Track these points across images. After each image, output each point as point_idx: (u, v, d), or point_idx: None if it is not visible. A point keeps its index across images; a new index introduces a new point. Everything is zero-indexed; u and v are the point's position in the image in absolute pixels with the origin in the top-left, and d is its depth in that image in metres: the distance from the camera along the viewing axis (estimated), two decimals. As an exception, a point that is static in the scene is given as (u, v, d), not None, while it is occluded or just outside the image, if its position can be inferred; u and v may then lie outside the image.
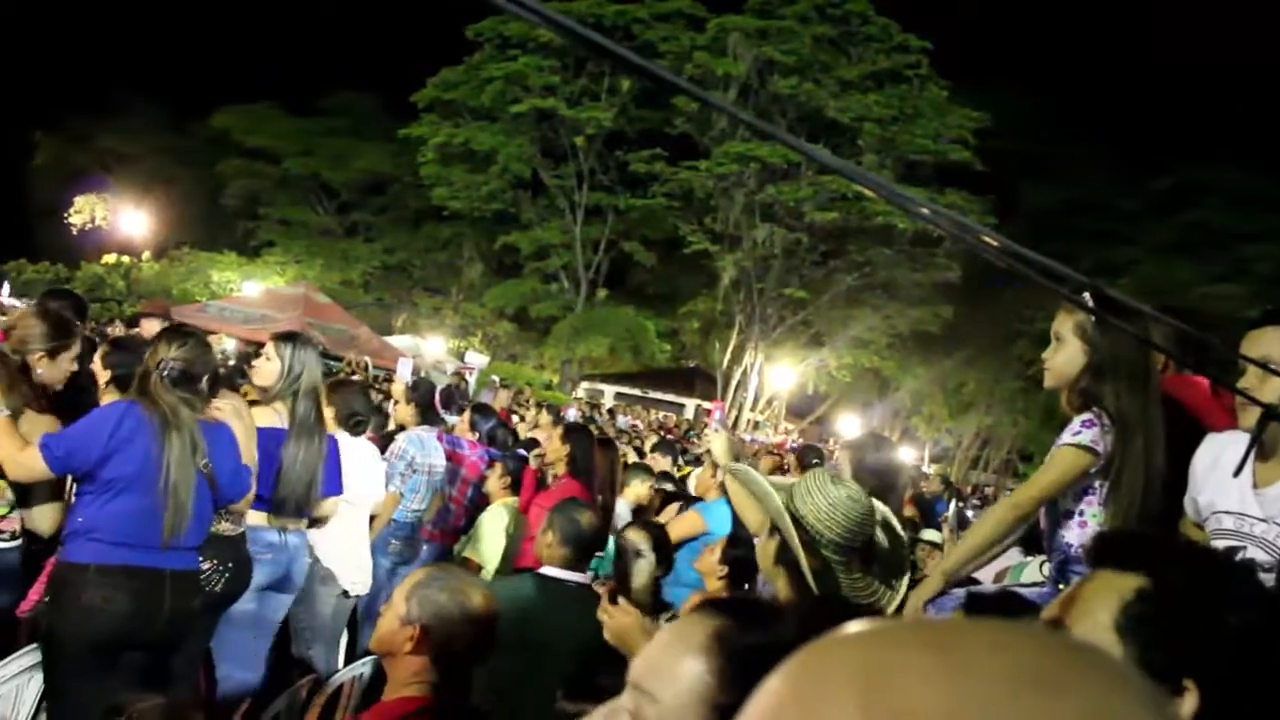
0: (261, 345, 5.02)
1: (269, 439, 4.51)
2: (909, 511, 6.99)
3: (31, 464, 3.53)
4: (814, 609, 2.44)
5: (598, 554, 4.91)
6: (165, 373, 3.72)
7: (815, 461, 7.41)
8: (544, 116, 34.95)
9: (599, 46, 1.09)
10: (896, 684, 0.50)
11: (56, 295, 5.06)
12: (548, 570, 3.87)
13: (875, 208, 29.69)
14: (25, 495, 3.83)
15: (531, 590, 3.76)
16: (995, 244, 1.29)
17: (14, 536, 3.75)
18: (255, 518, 4.54)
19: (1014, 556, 4.74)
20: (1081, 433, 2.77)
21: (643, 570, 4.29)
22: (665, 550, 4.45)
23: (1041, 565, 3.74)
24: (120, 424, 3.55)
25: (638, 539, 4.45)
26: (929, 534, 6.71)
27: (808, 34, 32.40)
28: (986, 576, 4.76)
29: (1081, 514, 2.85)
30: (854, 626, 0.56)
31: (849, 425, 28.45)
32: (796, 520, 2.52)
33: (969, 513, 12.42)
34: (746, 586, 4.21)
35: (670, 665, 1.32)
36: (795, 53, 32.26)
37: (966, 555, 3.02)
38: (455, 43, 35.11)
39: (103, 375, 4.41)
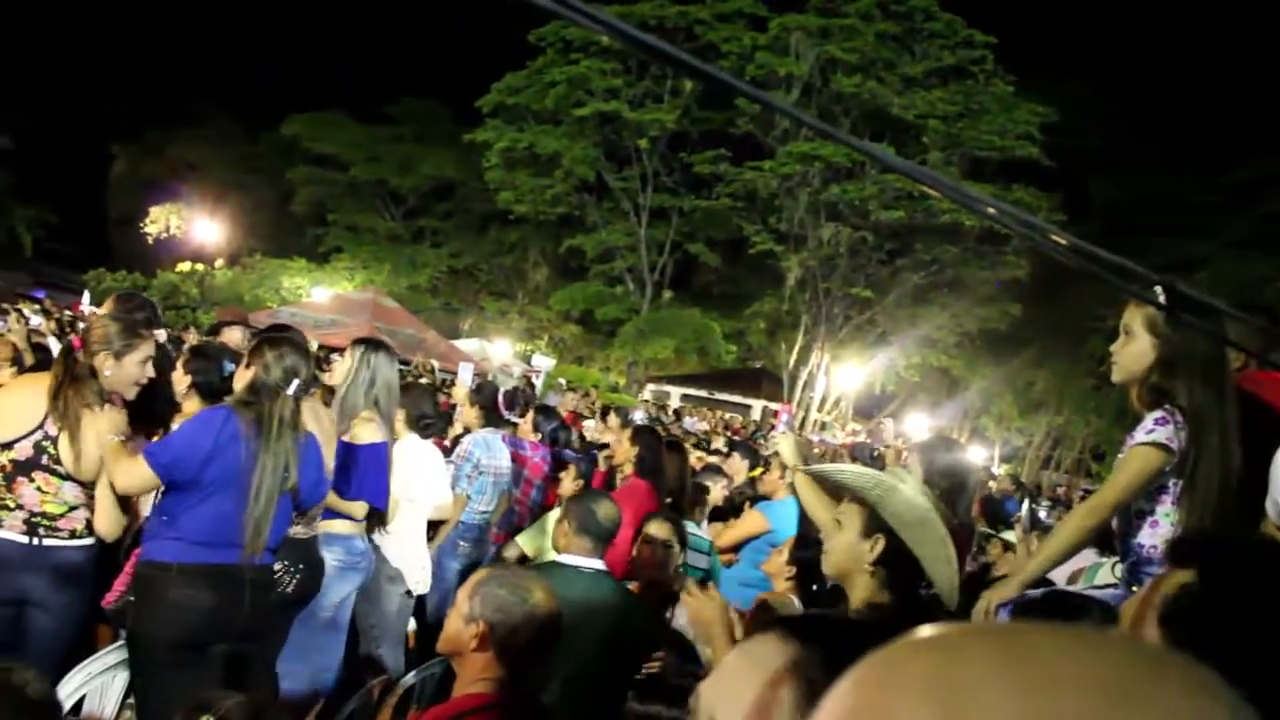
0: (331, 350, 5.12)
1: (378, 453, 4.62)
2: (978, 513, 6.93)
3: (141, 474, 3.61)
4: (902, 615, 2.42)
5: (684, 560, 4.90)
6: (270, 382, 3.80)
7: (869, 461, 7.36)
8: (607, 119, 35.01)
9: (657, 50, 1.09)
10: (978, 695, 0.48)
11: (125, 298, 5.16)
12: (564, 558, 3.90)
13: (942, 205, 29.36)
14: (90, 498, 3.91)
15: (553, 582, 3.79)
16: (1063, 242, 1.28)
17: (73, 535, 3.83)
18: (346, 527, 4.63)
19: (1089, 557, 4.67)
20: (1155, 430, 2.72)
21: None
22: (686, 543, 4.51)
23: (1114, 567, 3.69)
24: (221, 431, 3.62)
25: (660, 531, 4.48)
26: (1007, 534, 6.65)
27: (871, 31, 32.14)
28: (1061, 576, 4.70)
29: (1154, 514, 2.80)
30: (925, 632, 0.55)
31: (917, 425, 28.13)
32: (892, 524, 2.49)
33: (1041, 512, 12.28)
34: (814, 588, 4.20)
35: (744, 696, 1.25)
36: (858, 50, 32.01)
37: (1045, 564, 2.98)
38: (518, 48, 35.34)
39: (183, 382, 4.50)
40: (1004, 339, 34.64)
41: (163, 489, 3.83)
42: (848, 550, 2.58)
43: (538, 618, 2.59)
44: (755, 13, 33.97)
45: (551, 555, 5.71)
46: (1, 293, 23.31)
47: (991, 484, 15.59)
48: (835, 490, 2.83)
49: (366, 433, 4.67)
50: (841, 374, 34.52)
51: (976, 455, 31.43)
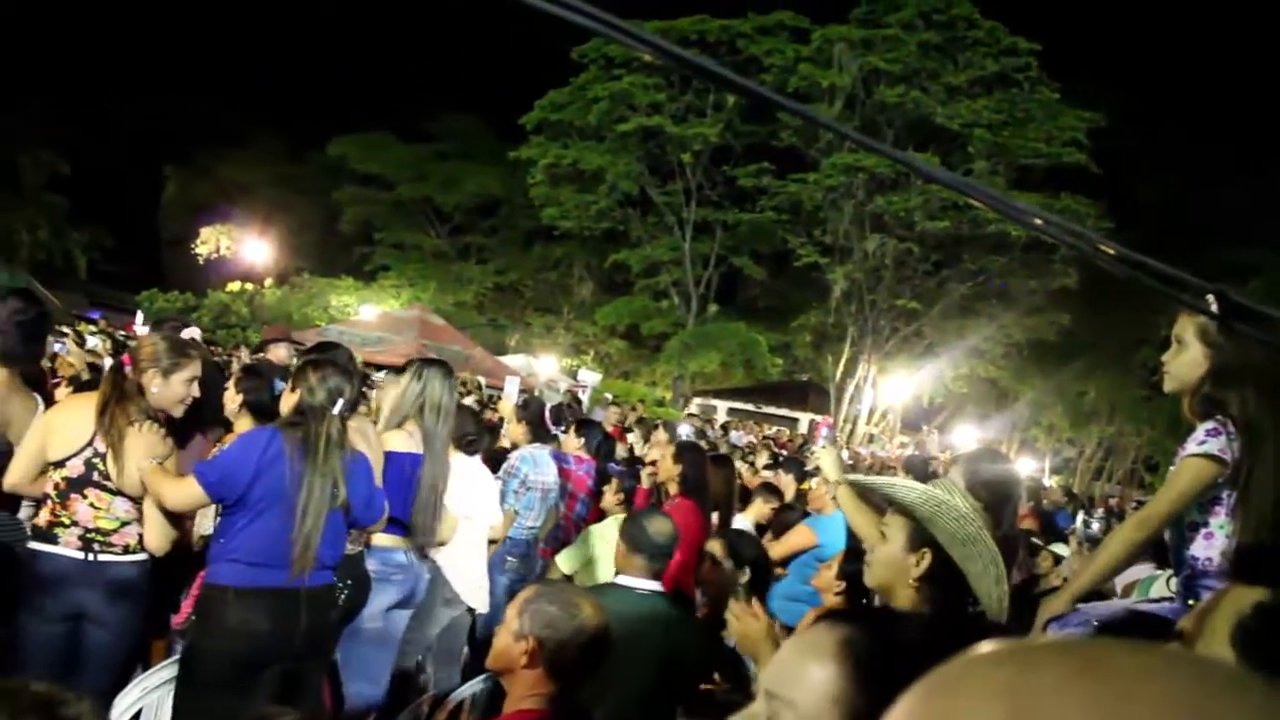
0: (378, 368, 5.19)
1: (403, 463, 4.64)
2: (1029, 524, 6.85)
3: (191, 492, 3.66)
4: (948, 625, 2.40)
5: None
6: (316, 404, 3.84)
7: (922, 474, 7.31)
8: (650, 134, 35.07)
9: (698, 67, 1.10)
10: (1049, 708, 0.47)
11: (165, 320, 5.25)
12: (620, 578, 3.87)
13: (988, 215, 29.12)
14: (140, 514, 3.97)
15: (604, 601, 3.78)
16: (1112, 251, 1.26)
17: (127, 550, 3.88)
18: (387, 539, 4.66)
19: (1146, 570, 4.61)
20: (1207, 441, 2.68)
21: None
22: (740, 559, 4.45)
23: (1168, 580, 3.63)
24: (266, 450, 3.66)
25: (714, 548, 4.46)
26: (1058, 547, 6.57)
27: (913, 41, 32.00)
28: (1115, 589, 4.64)
29: (1208, 526, 2.76)
30: (991, 646, 0.54)
31: (966, 437, 27.88)
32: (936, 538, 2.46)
33: (1094, 524, 12.11)
34: (864, 602, 4.17)
35: (804, 672, 1.36)
36: (901, 61, 31.89)
37: (1095, 577, 2.95)
38: (561, 64, 35.50)
39: (234, 400, 4.56)
40: (1053, 349, 34.29)
41: (220, 511, 3.88)
42: (892, 563, 2.55)
43: (586, 633, 2.60)
44: (797, 25, 33.94)
45: (595, 571, 5.75)
46: (59, 314, 23.71)
47: (1044, 497, 15.42)
48: (883, 503, 2.80)
49: (394, 440, 4.70)
50: (889, 386, 34.32)
51: (1026, 467, 31.11)
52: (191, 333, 4.91)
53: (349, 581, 4.34)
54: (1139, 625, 2.63)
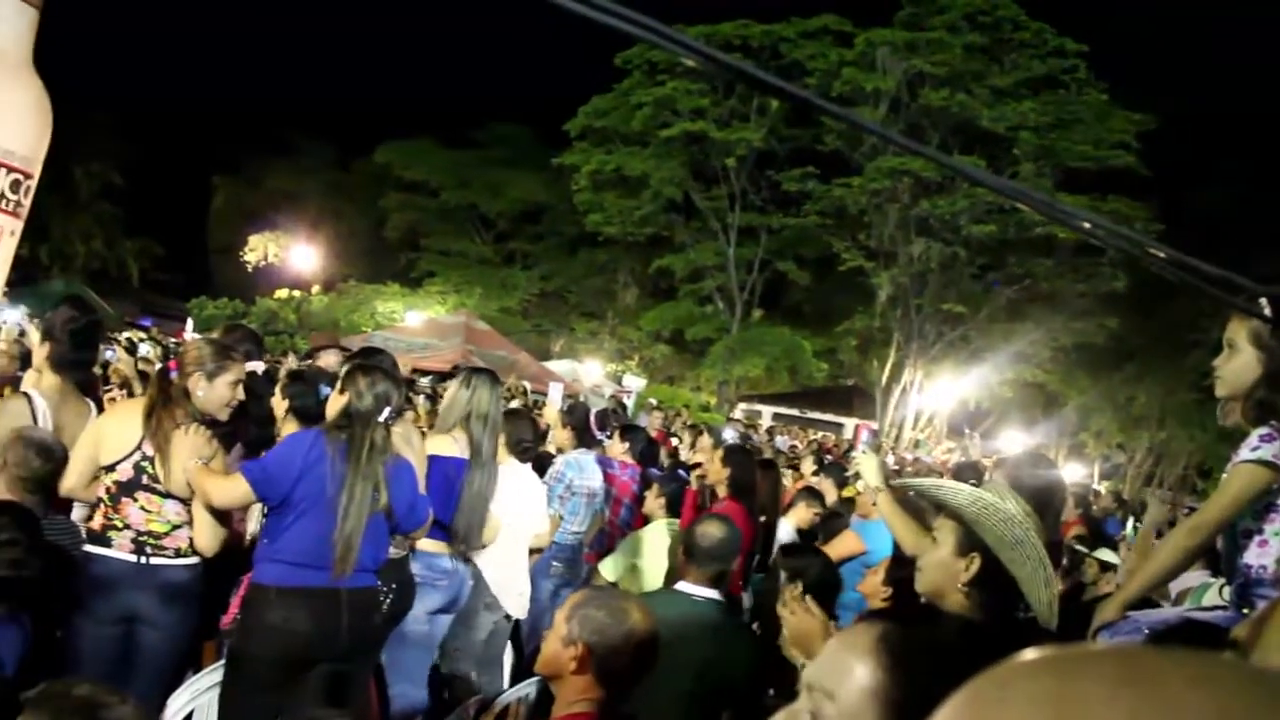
0: (424, 373, 5.23)
1: (448, 467, 4.67)
2: (1078, 530, 6.78)
3: (237, 490, 3.71)
4: (997, 629, 2.38)
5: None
6: (363, 409, 3.88)
7: (973, 481, 7.24)
8: (694, 140, 35.03)
9: (742, 73, 1.10)
10: (1091, 717, 0.47)
11: (231, 329, 5.30)
12: (680, 585, 3.84)
13: (1035, 218, 28.82)
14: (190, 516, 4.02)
15: (656, 606, 3.76)
16: (1162, 255, 1.25)
17: (178, 554, 3.92)
18: (432, 545, 4.69)
19: (1198, 577, 4.55)
20: (1260, 448, 2.64)
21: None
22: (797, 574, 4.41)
23: (1221, 588, 3.58)
24: (310, 451, 3.71)
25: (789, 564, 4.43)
26: (1104, 554, 6.49)
27: (958, 44, 31.74)
28: (1169, 594, 4.58)
29: (1263, 533, 2.71)
30: (1037, 652, 0.53)
31: (1013, 442, 27.60)
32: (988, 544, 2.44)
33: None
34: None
35: (843, 666, 1.39)
36: (946, 64, 31.64)
37: (1146, 584, 2.91)
38: (604, 71, 35.63)
39: (281, 405, 4.62)
40: (1102, 353, 33.86)
41: (265, 511, 3.93)
42: (941, 568, 2.52)
43: (635, 639, 2.60)
44: (841, 29, 33.81)
45: (641, 576, 5.75)
46: (112, 321, 24.08)
47: (1094, 503, 15.22)
48: (929, 509, 2.78)
49: (437, 444, 4.74)
50: (934, 391, 34.06)
51: (1074, 472, 30.75)
52: (255, 366, 4.97)
53: (393, 585, 4.37)
54: (1192, 633, 2.60)
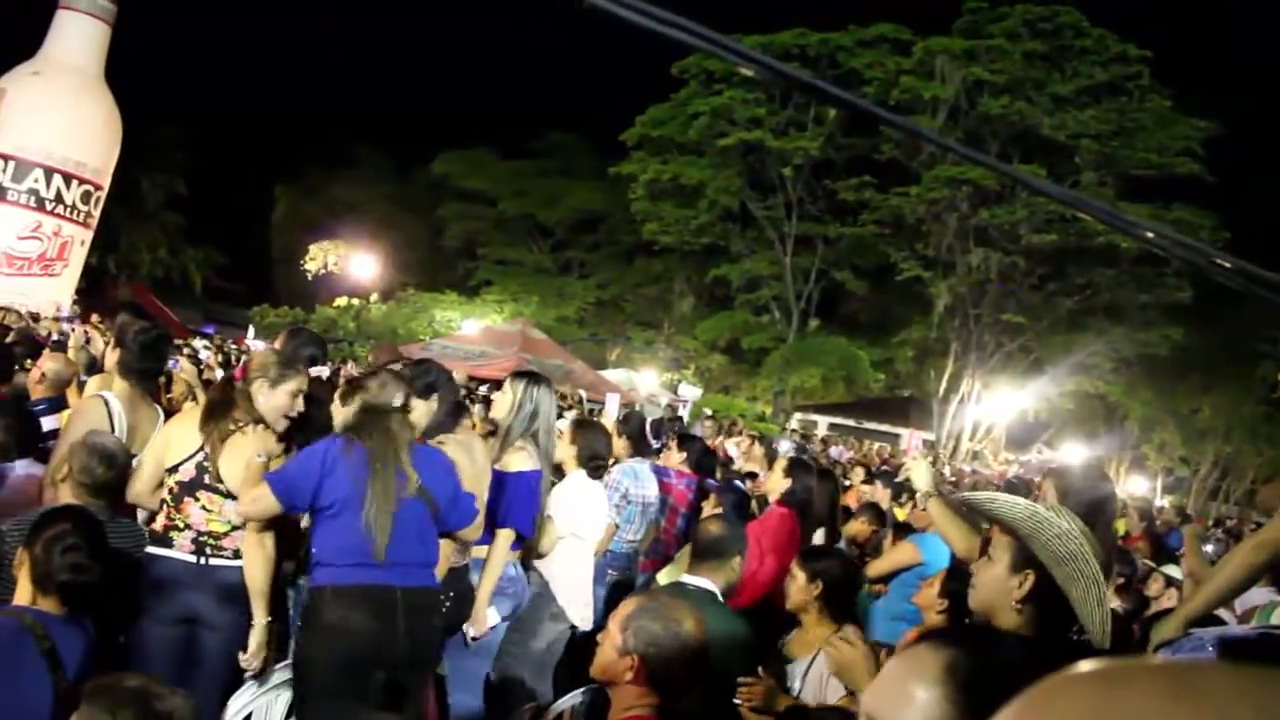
0: (481, 381, 5.26)
1: (530, 481, 4.71)
2: (1139, 546, 6.69)
3: (264, 500, 3.76)
4: (1050, 648, 2.35)
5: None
6: (375, 402, 3.93)
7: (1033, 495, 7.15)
8: (751, 149, 35.00)
9: (800, 82, 1.11)
10: None
11: (295, 333, 5.37)
12: (683, 577, 4.03)
13: (1095, 227, 28.41)
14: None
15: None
16: (1228, 265, 1.24)
17: (237, 555, 3.97)
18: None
19: (1264, 595, 4.47)
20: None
21: None
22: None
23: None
24: (326, 454, 3.74)
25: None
26: (1168, 569, 6.39)
27: (1018, 51, 31.44)
28: (1233, 616, 4.50)
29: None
30: (1087, 666, 0.53)
31: (1073, 454, 27.24)
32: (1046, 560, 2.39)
33: (1208, 546, 11.73)
34: (967, 622, 4.09)
35: (907, 694, 1.34)
36: (1005, 71, 31.37)
37: (1210, 601, 2.86)
38: (661, 80, 35.70)
39: (340, 414, 4.68)
40: (1165, 364, 33.29)
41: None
42: (995, 585, 2.46)
43: (690, 648, 2.65)
44: (898, 37, 33.64)
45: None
46: (177, 328, 24.53)
47: (1157, 517, 14.98)
48: (984, 520, 2.74)
49: (515, 460, 4.77)
50: (992, 402, 33.70)
51: (1137, 486, 30.30)
52: (320, 371, 5.04)
53: (451, 594, 4.39)
54: (1272, 648, 2.54)
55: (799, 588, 3.92)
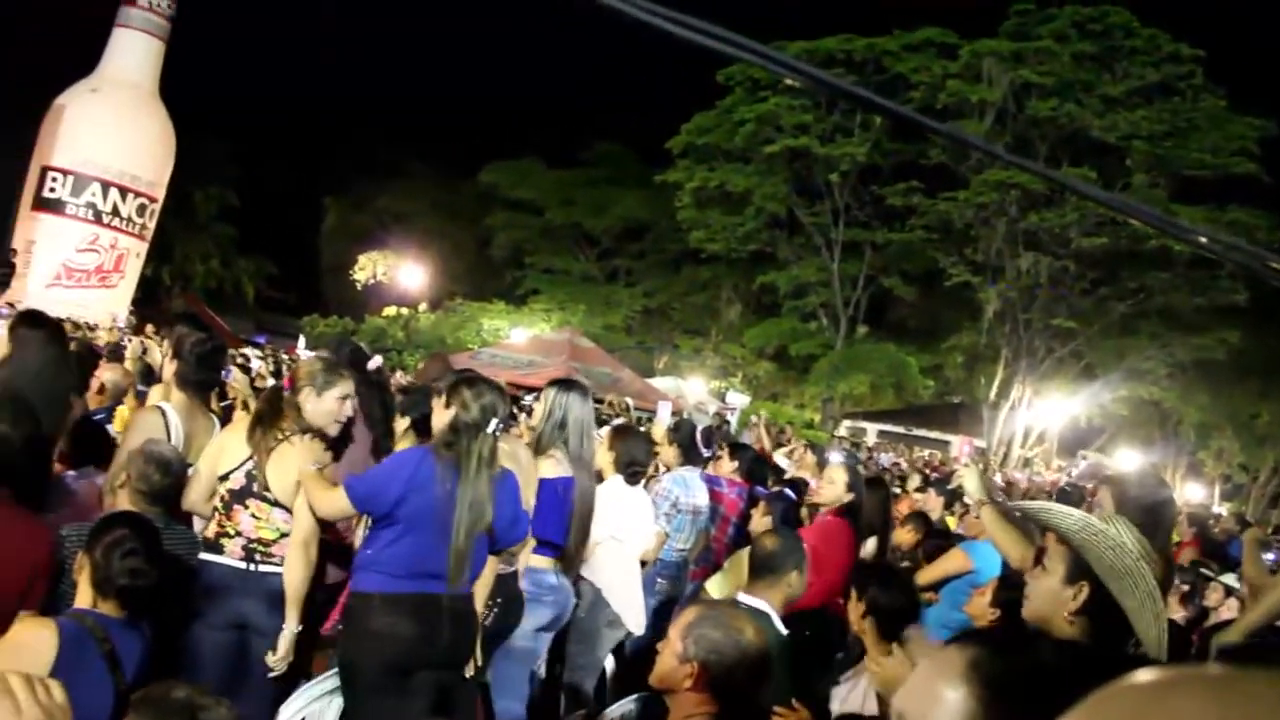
0: (529, 390, 5.29)
1: (558, 487, 4.73)
2: (1191, 553, 6.59)
3: (339, 504, 3.80)
4: (1101, 657, 2.31)
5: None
6: (469, 420, 3.94)
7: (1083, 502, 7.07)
8: (797, 155, 34.87)
9: (844, 91, 1.11)
10: None
11: (339, 344, 5.44)
12: (739, 595, 3.98)
13: (1148, 230, 28.07)
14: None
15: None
16: (1282, 267, 1.22)
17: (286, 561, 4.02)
18: (538, 561, 4.75)
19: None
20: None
21: None
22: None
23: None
24: (417, 469, 3.78)
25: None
26: (1227, 578, 6.30)
27: (1066, 53, 31.10)
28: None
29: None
30: (1142, 675, 0.53)
31: (1127, 461, 26.87)
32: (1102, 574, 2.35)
33: (1269, 555, 11.52)
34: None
35: (934, 693, 1.34)
36: (1054, 73, 31.03)
37: (1271, 611, 2.81)
38: (706, 88, 35.67)
39: (401, 423, 4.77)
40: (1221, 369, 32.74)
41: (369, 523, 4.01)
42: (1049, 596, 2.43)
43: (750, 656, 2.66)
44: (945, 41, 33.40)
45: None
46: (230, 338, 24.87)
47: (1215, 525, 14.72)
48: (1042, 529, 2.71)
49: (545, 467, 4.79)
50: (1044, 408, 33.33)
51: (1194, 493, 29.81)
52: (375, 362, 5.13)
53: (499, 600, 4.42)
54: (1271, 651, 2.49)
55: (854, 608, 3.91)
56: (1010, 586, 4.00)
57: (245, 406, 6.52)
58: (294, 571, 3.90)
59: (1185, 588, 6.12)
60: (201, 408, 4.64)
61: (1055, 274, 31.82)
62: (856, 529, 5.69)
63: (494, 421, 3.95)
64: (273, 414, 4.10)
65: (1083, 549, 2.34)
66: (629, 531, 5.40)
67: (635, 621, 5.42)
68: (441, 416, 4.05)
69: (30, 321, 4.65)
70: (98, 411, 5.92)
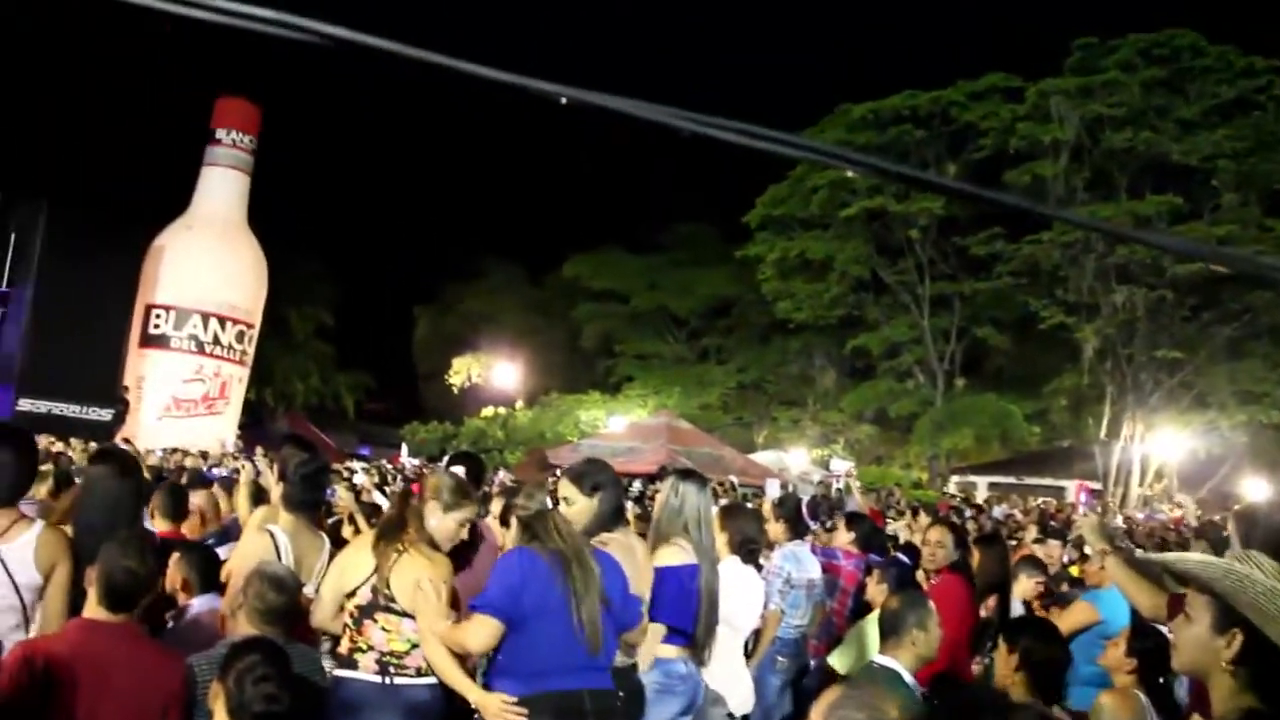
0: (632, 477, 5.33)
1: (682, 575, 4.74)
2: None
3: (484, 630, 3.78)
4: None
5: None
6: (533, 510, 4.02)
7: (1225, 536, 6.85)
8: (874, 215, 34.85)
9: (901, 176, 1.15)
10: None
11: (461, 459, 5.56)
12: (874, 657, 4.00)
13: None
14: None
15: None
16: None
17: (419, 673, 4.05)
18: (667, 651, 4.74)
19: None
20: None
21: None
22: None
23: None
24: (520, 566, 3.82)
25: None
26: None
27: (1135, 82, 30.72)
28: None
29: None
30: None
31: (1255, 490, 25.89)
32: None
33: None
34: (1161, 681, 3.93)
35: None
36: (1125, 103, 30.65)
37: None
38: (775, 160, 35.87)
39: (507, 536, 4.85)
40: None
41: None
42: (1199, 646, 2.31)
43: None
44: (1009, 85, 33.29)
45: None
46: (334, 453, 25.39)
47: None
48: (1177, 579, 2.62)
49: (665, 555, 4.80)
50: (1158, 443, 32.35)
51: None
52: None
53: (621, 694, 4.41)
54: None
55: (1005, 661, 3.84)
56: (1144, 635, 3.89)
57: (352, 522, 6.65)
58: (436, 657, 3.91)
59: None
60: (310, 527, 4.75)
61: (1152, 305, 31.10)
62: (970, 583, 5.59)
63: (545, 499, 4.05)
64: (400, 521, 4.19)
65: (1229, 596, 2.26)
66: (743, 617, 5.38)
67: (739, 701, 5.38)
68: (512, 531, 4.14)
69: (101, 458, 4.88)
70: (208, 536, 6.11)
